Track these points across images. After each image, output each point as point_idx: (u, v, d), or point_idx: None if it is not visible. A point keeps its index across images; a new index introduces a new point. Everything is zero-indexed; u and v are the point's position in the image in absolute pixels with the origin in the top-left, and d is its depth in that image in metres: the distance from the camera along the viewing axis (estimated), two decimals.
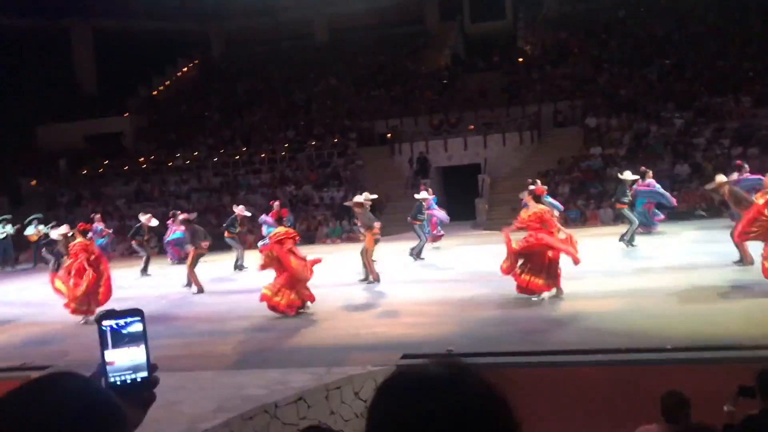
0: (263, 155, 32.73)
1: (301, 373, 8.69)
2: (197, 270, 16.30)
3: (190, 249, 16.51)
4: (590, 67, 33.12)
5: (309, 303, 12.89)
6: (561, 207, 18.74)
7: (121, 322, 1.49)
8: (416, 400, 1.23)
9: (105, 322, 1.47)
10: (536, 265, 12.15)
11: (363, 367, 8.78)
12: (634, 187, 18.84)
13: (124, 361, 1.47)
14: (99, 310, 12.36)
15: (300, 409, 7.88)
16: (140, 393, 1.47)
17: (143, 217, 20.40)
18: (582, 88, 31.55)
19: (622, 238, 17.88)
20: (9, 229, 24.74)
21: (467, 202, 26.15)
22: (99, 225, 20.80)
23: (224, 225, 19.91)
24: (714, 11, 34.76)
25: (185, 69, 43.93)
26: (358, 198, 15.94)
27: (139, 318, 1.50)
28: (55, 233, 16.18)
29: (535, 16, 38.77)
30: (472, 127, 30.25)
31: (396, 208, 25.49)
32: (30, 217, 24.32)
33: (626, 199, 18.20)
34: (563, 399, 8.26)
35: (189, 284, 16.34)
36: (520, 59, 35.92)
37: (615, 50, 33.97)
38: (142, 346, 1.50)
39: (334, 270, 16.87)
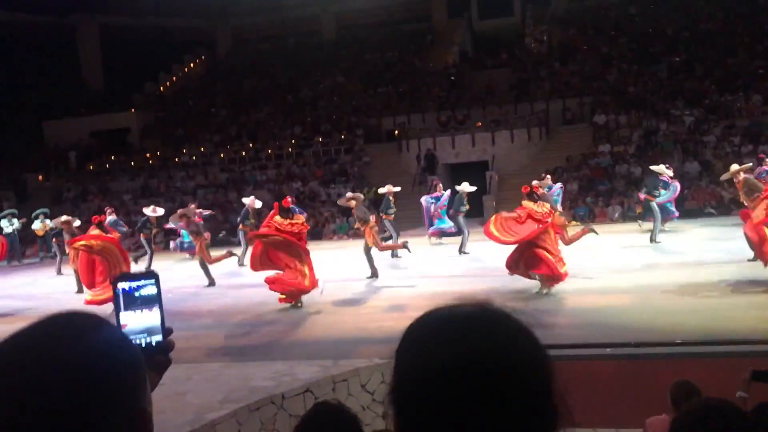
0: (270, 151, 32.69)
1: (308, 365, 8.63)
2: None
3: (196, 242, 16.57)
4: (599, 64, 32.96)
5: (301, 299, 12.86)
6: (555, 204, 17.99)
7: (134, 284, 1.45)
8: (444, 341, 1.12)
9: (119, 284, 1.44)
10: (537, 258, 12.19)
11: (370, 360, 8.72)
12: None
13: (137, 323, 1.43)
14: None
15: (307, 400, 7.82)
16: (155, 356, 1.42)
17: (148, 210, 20.35)
18: (591, 85, 31.41)
19: (652, 239, 17.51)
20: (16, 223, 24.75)
21: (475, 198, 25.99)
22: (112, 217, 20.71)
23: (239, 219, 19.94)
24: (722, 9, 34.57)
25: (192, 65, 43.92)
26: (349, 194, 16.00)
27: (153, 281, 1.46)
28: (57, 221, 16.23)
29: (544, 13, 38.62)
30: (480, 124, 30.16)
31: (403, 205, 25.36)
32: (36, 211, 24.34)
33: (657, 193, 17.96)
34: (572, 393, 8.17)
35: (210, 283, 16.23)
36: (529, 56, 35.79)
37: (624, 47, 33.81)
38: (156, 310, 1.45)
39: (341, 265, 16.82)
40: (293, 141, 33.06)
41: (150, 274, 1.47)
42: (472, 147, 29.07)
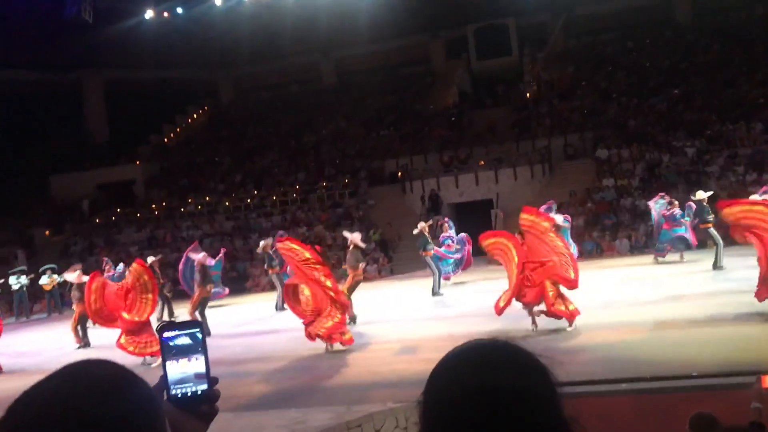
0: (274, 198, 32.80)
1: (321, 412, 8.54)
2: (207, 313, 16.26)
3: (197, 290, 16.45)
4: (598, 99, 33.15)
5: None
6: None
7: (172, 334, 1.45)
8: (465, 374, 1.29)
9: (163, 334, 1.45)
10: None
11: (383, 404, 8.63)
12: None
13: (176, 373, 1.43)
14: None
15: None
16: (199, 406, 1.42)
17: (150, 259, 20.31)
18: (591, 120, 31.55)
19: (715, 266, 17.09)
20: (23, 280, 24.79)
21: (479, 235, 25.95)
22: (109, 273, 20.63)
23: (265, 264, 19.81)
24: (718, 40, 34.81)
25: (195, 116, 44.27)
26: (356, 235, 15.93)
27: (193, 330, 1.46)
28: (70, 276, 16.18)
29: (542, 51, 38.94)
30: (482, 162, 30.26)
31: (408, 246, 25.36)
32: (44, 267, 24.38)
33: (711, 218, 17.57)
34: (589, 430, 8.06)
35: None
36: (528, 94, 36.02)
37: (622, 81, 34.02)
38: (197, 359, 1.45)
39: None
40: (297, 186, 33.19)
41: (193, 324, 1.47)
42: (476, 186, 29.15)
